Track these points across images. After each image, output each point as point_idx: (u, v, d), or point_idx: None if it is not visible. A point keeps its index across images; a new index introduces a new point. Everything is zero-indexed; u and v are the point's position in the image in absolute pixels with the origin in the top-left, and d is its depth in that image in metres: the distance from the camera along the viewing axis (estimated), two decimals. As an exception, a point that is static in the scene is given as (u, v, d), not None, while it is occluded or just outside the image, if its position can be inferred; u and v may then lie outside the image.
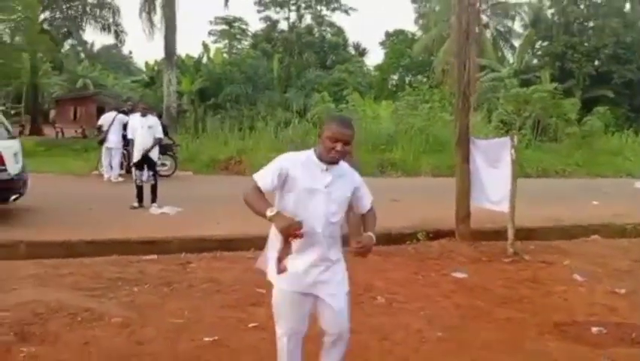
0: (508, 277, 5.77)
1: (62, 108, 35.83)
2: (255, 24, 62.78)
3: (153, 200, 8.66)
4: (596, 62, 30.93)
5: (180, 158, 13.70)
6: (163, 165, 11.95)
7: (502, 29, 34.65)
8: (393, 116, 18.83)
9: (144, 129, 8.61)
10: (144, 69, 35.47)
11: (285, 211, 2.61)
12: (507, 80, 24.13)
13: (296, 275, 2.70)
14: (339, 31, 42.87)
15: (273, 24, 43.17)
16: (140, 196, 8.67)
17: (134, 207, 8.56)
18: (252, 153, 14.90)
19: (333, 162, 2.68)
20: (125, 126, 11.05)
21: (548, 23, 32.79)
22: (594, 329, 4.26)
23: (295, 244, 2.61)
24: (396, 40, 40.88)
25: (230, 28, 43.89)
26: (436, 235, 7.30)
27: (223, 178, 13.44)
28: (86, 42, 46.50)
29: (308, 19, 42.94)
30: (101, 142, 12.10)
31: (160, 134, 8.87)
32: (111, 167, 12.02)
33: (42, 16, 25.66)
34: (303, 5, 42.36)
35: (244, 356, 3.66)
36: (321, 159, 2.70)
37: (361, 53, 44.71)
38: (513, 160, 6.56)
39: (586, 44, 30.80)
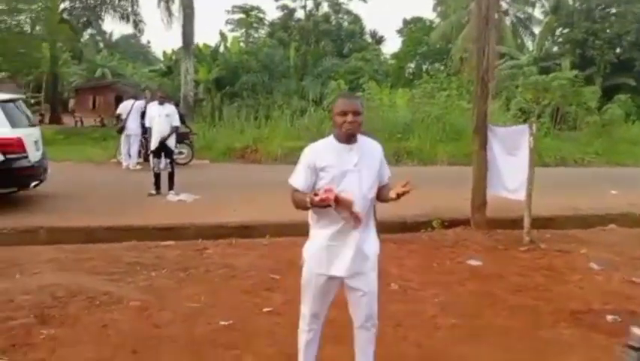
0: (523, 265, 5.74)
1: (81, 97, 36.22)
2: (272, 12, 62.79)
3: (170, 187, 8.76)
4: (618, 50, 30.27)
5: (197, 146, 13.79)
6: (180, 153, 12.04)
7: (521, 16, 34.05)
8: (410, 105, 18.66)
9: (162, 118, 8.70)
10: (162, 58, 35.69)
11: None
12: (526, 67, 23.78)
13: (326, 257, 2.74)
14: (356, 19, 42.52)
15: (289, 12, 42.94)
16: (157, 184, 8.78)
17: (152, 195, 8.66)
18: (267, 142, 14.93)
19: (350, 135, 2.71)
20: (143, 115, 11.16)
21: (569, 10, 32.10)
22: (609, 317, 4.23)
23: (346, 201, 2.60)
24: (413, 28, 40.46)
25: (247, 16, 43.78)
26: (451, 223, 7.26)
27: (239, 166, 13.52)
28: (104, 32, 46.81)
29: (325, 7, 42.59)
30: (120, 130, 12.24)
31: (177, 122, 8.95)
32: (129, 155, 12.17)
33: (62, 6, 25.94)
34: (320, -7, 42.06)
35: (259, 339, 3.71)
36: (340, 140, 2.74)
37: (378, 40, 44.34)
38: (531, 148, 6.49)
39: (608, 31, 30.12)
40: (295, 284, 4.80)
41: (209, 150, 14.72)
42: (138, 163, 12.16)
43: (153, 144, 8.75)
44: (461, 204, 7.41)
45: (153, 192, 8.73)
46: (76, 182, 9.56)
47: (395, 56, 38.98)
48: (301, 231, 6.58)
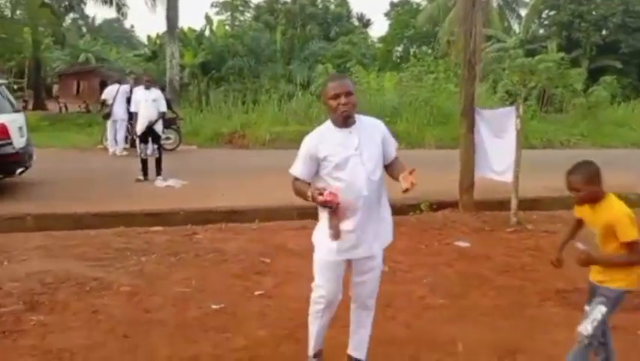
0: (510, 246, 5.81)
1: (65, 83, 35.74)
2: (258, -5, 61.83)
3: (158, 173, 8.71)
4: (604, 32, 30.41)
5: (184, 132, 13.68)
6: (167, 138, 11.94)
7: (508, -1, 34.01)
8: (398, 88, 18.66)
9: (148, 102, 8.61)
10: (146, 43, 35.20)
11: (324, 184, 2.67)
12: (512, 50, 23.80)
13: (340, 243, 2.73)
14: (343, 2, 42.20)
15: (275, -5, 42.53)
16: (145, 169, 8.72)
17: (140, 180, 8.61)
18: (255, 127, 14.85)
19: (347, 117, 2.68)
20: (128, 100, 11.03)
21: (555, -9, 32.16)
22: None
23: (343, 211, 2.62)
24: (400, 11, 40.28)
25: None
26: (440, 205, 7.32)
27: (227, 152, 13.45)
28: (87, 16, 46.14)
29: (311, -10, 42.25)
30: (106, 116, 12.10)
31: (164, 107, 8.88)
32: (116, 141, 12.05)
33: (43, -10, 25.36)
34: (306, -25, 41.63)
35: (250, 322, 3.73)
36: (337, 125, 2.72)
37: (365, 24, 44.13)
38: (518, 130, 6.52)
39: (594, 13, 30.22)
40: (285, 267, 4.87)
41: (197, 136, 14.63)
42: (125, 149, 12.06)
43: (140, 129, 8.67)
44: (449, 186, 7.45)
45: (141, 177, 8.67)
46: (62, 169, 9.46)
47: (382, 39, 38.82)
48: (290, 215, 6.66)
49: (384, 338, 3.35)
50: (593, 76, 24.53)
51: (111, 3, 26.86)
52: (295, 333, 3.49)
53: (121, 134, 12.04)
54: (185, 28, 28.25)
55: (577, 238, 3.02)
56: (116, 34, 56.75)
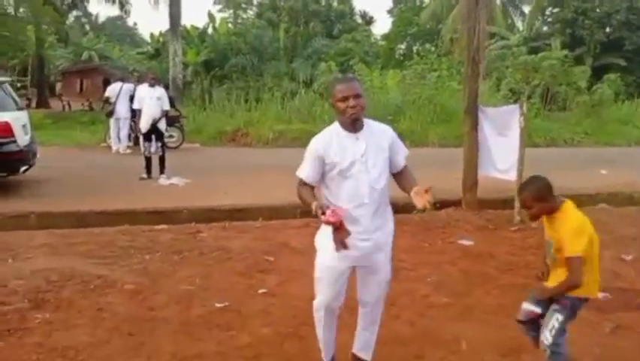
0: (514, 244, 5.80)
1: (68, 81, 35.73)
2: (260, -7, 61.72)
3: (162, 171, 8.72)
4: (608, 29, 30.26)
5: (187, 130, 13.71)
6: (171, 136, 11.97)
7: (512, -5, 33.90)
8: (401, 86, 18.61)
9: (152, 100, 8.63)
10: (149, 41, 35.22)
11: (328, 196, 2.69)
12: (516, 47, 23.72)
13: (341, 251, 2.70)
14: (346, 0, 42.12)
15: (278, -8, 42.43)
16: (148, 167, 8.74)
17: (143, 178, 8.63)
18: (258, 125, 14.86)
19: (355, 120, 2.64)
20: (132, 98, 11.05)
21: (559, -12, 32.04)
22: (599, 294, 4.28)
23: (346, 228, 2.59)
24: (404, 8, 40.16)
25: (235, -4, 43.24)
26: (443, 204, 7.29)
27: (230, 150, 13.48)
28: (90, 14, 46.17)
29: (313, -13, 42.15)
30: (110, 114, 12.12)
31: (167, 105, 8.90)
32: (119, 139, 12.07)
33: (46, -13, 25.39)
34: (309, -27, 41.55)
35: (254, 320, 3.74)
36: (345, 127, 2.68)
37: (368, 21, 43.96)
38: (521, 128, 6.51)
39: (597, 10, 30.09)
40: (289, 266, 4.87)
41: (200, 134, 14.65)
42: (128, 147, 12.09)
43: (144, 127, 8.68)
44: (453, 185, 7.44)
45: (144, 175, 8.69)
46: (66, 167, 9.49)
47: (385, 37, 38.72)
48: (293, 213, 6.66)
49: (388, 337, 3.35)
50: (597, 74, 24.42)
51: (114, 1, 26.95)
52: (299, 331, 3.51)
53: (124, 132, 12.07)
54: (188, 26, 28.24)
55: None
56: (119, 31, 56.73)
